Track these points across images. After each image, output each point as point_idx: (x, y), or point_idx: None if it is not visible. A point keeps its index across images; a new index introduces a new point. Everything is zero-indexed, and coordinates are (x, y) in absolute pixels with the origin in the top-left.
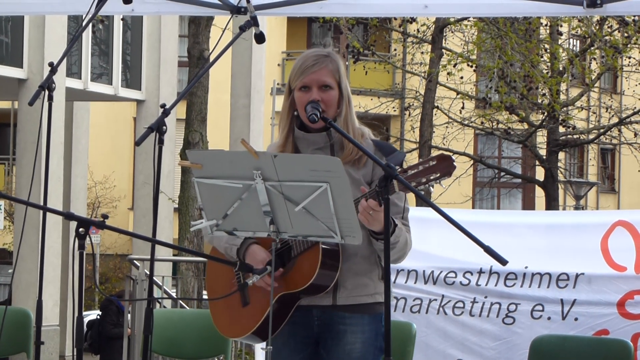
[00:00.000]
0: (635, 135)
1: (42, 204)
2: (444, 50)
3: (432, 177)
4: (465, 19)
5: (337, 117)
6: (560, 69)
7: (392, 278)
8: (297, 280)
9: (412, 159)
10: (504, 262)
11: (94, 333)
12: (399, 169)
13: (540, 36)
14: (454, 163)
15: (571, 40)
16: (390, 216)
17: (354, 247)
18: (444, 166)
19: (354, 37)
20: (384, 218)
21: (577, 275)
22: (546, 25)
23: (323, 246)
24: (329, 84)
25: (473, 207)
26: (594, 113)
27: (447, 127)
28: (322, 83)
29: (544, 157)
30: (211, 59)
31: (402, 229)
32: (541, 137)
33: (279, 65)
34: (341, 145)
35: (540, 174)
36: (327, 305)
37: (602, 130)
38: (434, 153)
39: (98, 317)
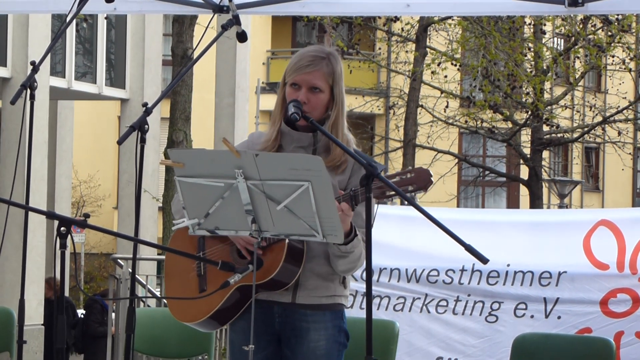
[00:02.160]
0: (619, 134)
1: (24, 203)
2: (428, 49)
3: (408, 189)
4: (449, 17)
5: (325, 121)
6: (544, 67)
7: (375, 277)
8: (257, 273)
9: (397, 157)
10: (484, 260)
11: (77, 332)
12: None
13: (524, 35)
14: (431, 178)
15: (555, 39)
16: (370, 219)
17: (319, 249)
18: (421, 179)
19: (338, 36)
20: (365, 216)
21: (559, 274)
22: (530, 24)
23: (288, 243)
24: (318, 86)
25: (458, 206)
26: (578, 112)
27: (431, 125)
28: (311, 85)
29: (528, 156)
30: (195, 57)
31: (360, 241)
32: (525, 136)
33: (263, 64)
34: (325, 149)
35: (524, 172)
36: (287, 302)
37: (586, 129)
38: (419, 152)
39: (82, 316)
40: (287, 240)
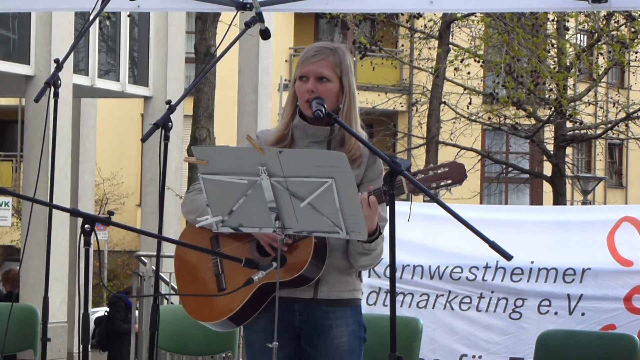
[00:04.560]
0: None
1: (48, 200)
2: (451, 46)
3: (442, 184)
4: (472, 14)
5: (337, 112)
6: (568, 64)
7: (398, 274)
8: (283, 271)
9: (419, 154)
10: (509, 257)
11: (101, 330)
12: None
13: (547, 31)
14: (466, 172)
15: (578, 35)
16: (394, 216)
17: (337, 243)
18: (456, 173)
19: (361, 32)
20: (389, 214)
21: (583, 270)
22: (553, 20)
23: (315, 240)
24: (326, 76)
25: (481, 203)
26: (601, 108)
27: (454, 122)
28: (318, 74)
29: (552, 153)
30: (218, 54)
31: (383, 238)
32: (548, 133)
33: (286, 61)
34: (340, 142)
35: (547, 169)
36: (308, 298)
37: (609, 125)
38: (442, 149)
39: (106, 313)
40: (313, 237)
